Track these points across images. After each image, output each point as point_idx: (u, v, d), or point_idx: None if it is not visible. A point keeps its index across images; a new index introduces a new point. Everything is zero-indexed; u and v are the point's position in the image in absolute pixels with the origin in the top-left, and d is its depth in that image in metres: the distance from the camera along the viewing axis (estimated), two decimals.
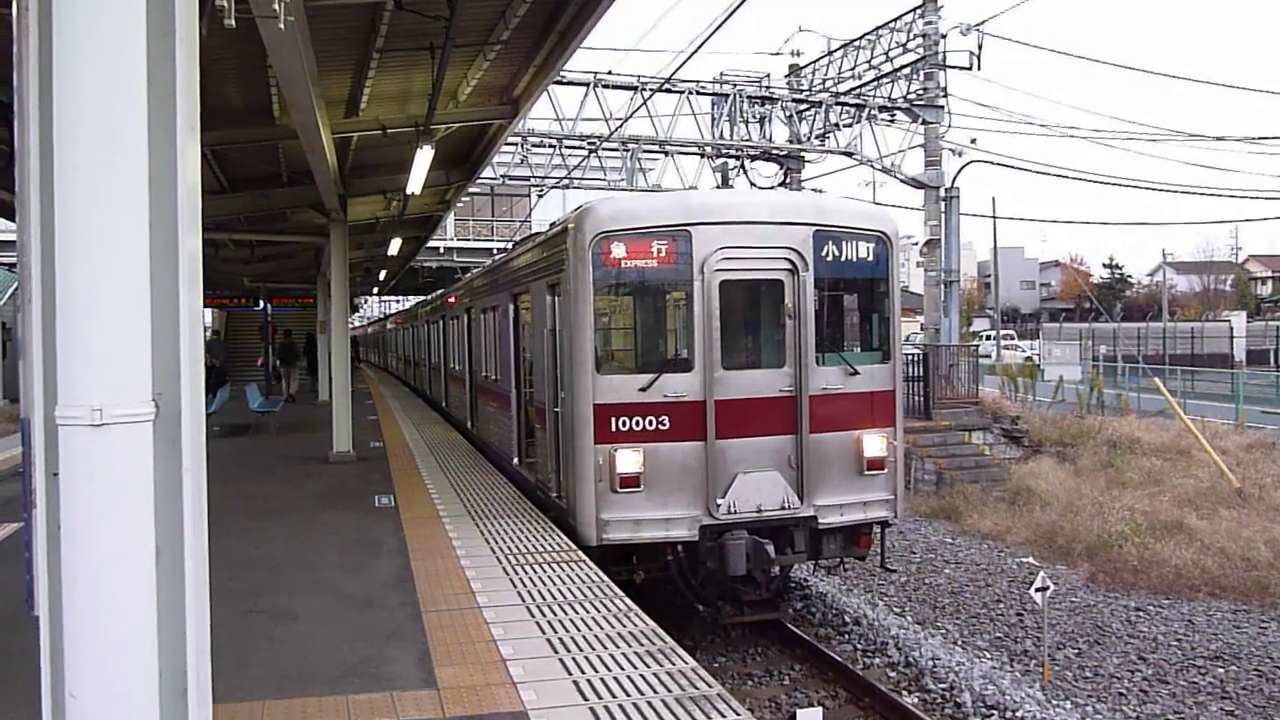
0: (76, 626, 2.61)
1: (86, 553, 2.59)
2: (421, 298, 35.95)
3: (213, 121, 10.41)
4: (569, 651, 5.66)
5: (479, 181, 19.11)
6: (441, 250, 37.57)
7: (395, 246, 21.70)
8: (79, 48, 2.56)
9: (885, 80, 25.19)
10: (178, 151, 2.73)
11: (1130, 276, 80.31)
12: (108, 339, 2.57)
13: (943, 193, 24.30)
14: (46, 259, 2.80)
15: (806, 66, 27.97)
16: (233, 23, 5.32)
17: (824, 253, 9.03)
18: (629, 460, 8.51)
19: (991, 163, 26.05)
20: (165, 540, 2.65)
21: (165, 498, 2.66)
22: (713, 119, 24.81)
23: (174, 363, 2.68)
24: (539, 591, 6.90)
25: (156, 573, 2.63)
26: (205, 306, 27.89)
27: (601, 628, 6.09)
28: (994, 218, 40.27)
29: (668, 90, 22.32)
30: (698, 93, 24.08)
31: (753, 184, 24.90)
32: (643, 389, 8.59)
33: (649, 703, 4.91)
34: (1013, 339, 57.17)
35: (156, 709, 2.63)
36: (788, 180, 26.70)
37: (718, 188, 24.42)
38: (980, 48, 23.64)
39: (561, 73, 14.72)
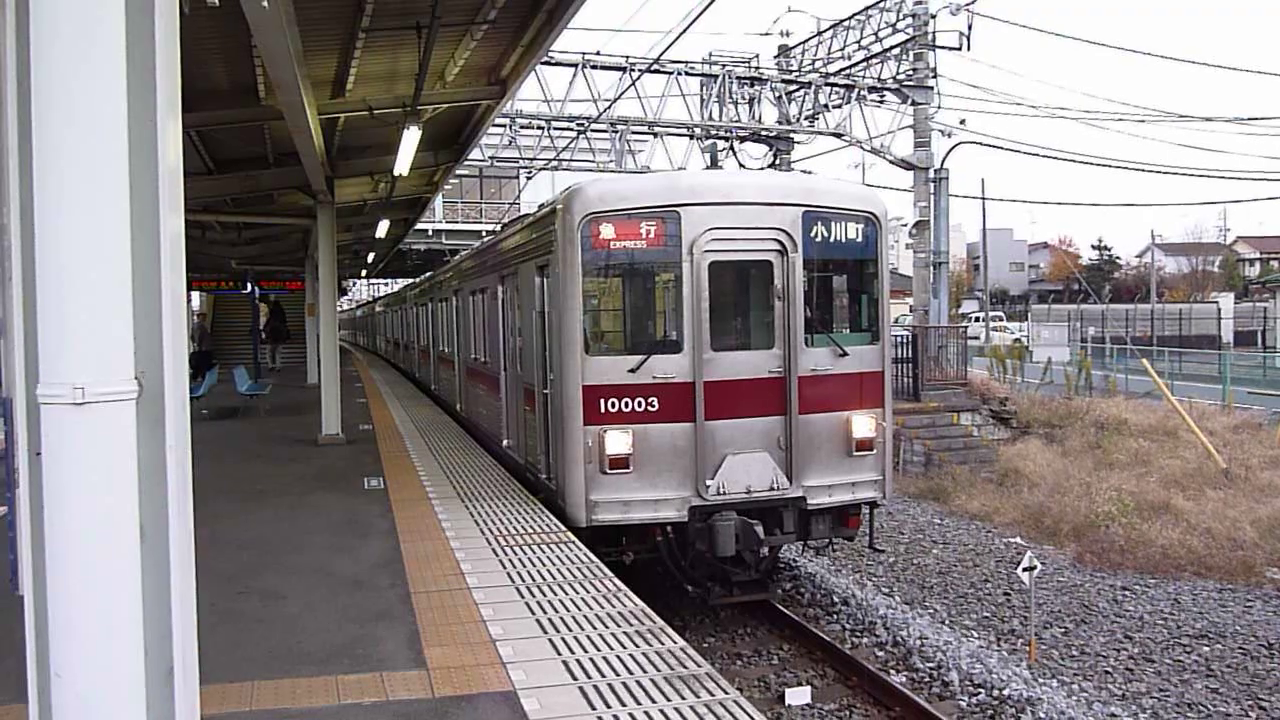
0: (61, 606, 2.59)
1: (71, 532, 2.57)
2: (410, 280, 35.83)
3: (198, 102, 10.32)
4: (558, 631, 5.68)
5: (467, 163, 19.04)
6: (430, 233, 37.40)
7: (383, 229, 21.62)
8: (55, 24, 2.53)
9: (875, 61, 25.13)
10: (158, 130, 2.69)
11: (1119, 258, 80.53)
12: (89, 317, 2.55)
13: (932, 174, 24.29)
14: (26, 237, 2.78)
15: (796, 47, 27.87)
16: (216, 0, 5.26)
17: (813, 233, 9.02)
18: (618, 441, 8.52)
19: (981, 144, 25.99)
20: (150, 519, 2.64)
21: (150, 477, 2.64)
22: (701, 100, 24.71)
23: (157, 341, 2.66)
24: (528, 572, 6.91)
25: (141, 552, 2.61)
26: (192, 289, 27.80)
27: (591, 608, 6.11)
28: (983, 199, 40.28)
29: (656, 71, 22.24)
30: (687, 73, 23.99)
31: (742, 165, 24.87)
32: (632, 370, 8.59)
33: (638, 682, 4.93)
34: (1001, 320, 57.29)
35: (143, 688, 2.62)
36: (777, 161, 26.65)
37: (706, 169, 24.27)
38: (970, 28, 23.62)
39: (550, 53, 14.67)
